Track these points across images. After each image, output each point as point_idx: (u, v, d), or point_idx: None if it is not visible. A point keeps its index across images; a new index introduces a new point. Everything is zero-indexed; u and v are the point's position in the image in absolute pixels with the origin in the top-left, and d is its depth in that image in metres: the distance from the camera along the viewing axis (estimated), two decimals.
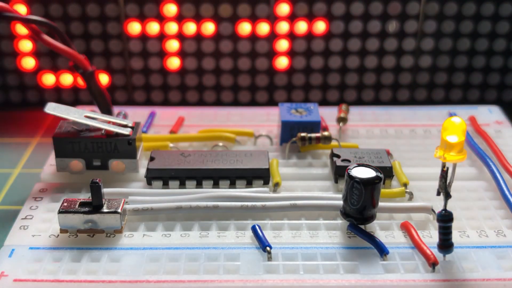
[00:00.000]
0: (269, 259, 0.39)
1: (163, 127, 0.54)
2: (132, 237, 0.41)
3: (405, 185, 0.46)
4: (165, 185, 0.46)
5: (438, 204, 0.42)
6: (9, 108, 0.62)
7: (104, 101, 0.52)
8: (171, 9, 0.58)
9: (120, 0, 0.58)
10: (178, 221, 0.42)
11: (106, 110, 0.52)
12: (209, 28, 0.59)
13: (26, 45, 0.60)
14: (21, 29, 0.59)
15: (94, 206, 0.41)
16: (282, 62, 0.61)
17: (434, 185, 0.38)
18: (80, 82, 0.61)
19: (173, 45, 0.60)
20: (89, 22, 0.59)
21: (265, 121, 0.55)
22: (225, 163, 0.46)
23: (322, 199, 0.44)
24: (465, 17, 0.59)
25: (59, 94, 0.62)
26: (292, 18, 0.59)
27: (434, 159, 0.39)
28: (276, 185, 0.46)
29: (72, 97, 0.62)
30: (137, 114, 0.55)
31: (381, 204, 0.42)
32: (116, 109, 0.54)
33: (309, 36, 0.60)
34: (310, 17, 0.59)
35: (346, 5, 0.58)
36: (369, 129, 0.54)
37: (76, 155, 0.46)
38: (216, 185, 0.46)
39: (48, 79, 0.61)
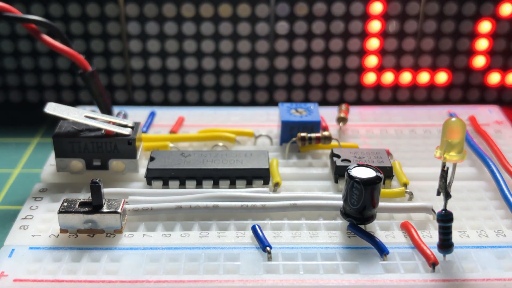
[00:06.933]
0: (269, 259, 0.39)
1: (163, 127, 0.54)
2: (132, 237, 0.41)
3: (405, 185, 0.46)
4: (165, 185, 0.46)
5: (438, 204, 0.42)
6: (9, 108, 0.62)
7: (104, 101, 0.52)
8: (171, 9, 0.58)
9: (120, 0, 0.58)
10: (178, 221, 0.42)
11: (106, 110, 0.52)
12: (209, 28, 0.59)
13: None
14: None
15: (94, 206, 0.41)
16: (282, 62, 0.61)
17: (434, 185, 0.38)
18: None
19: (173, 45, 0.60)
20: (89, 22, 0.59)
21: (265, 121, 0.55)
22: (225, 163, 0.46)
23: (322, 199, 0.44)
24: (465, 17, 0.59)
25: (59, 94, 0.62)
26: (292, 18, 0.59)
27: (434, 159, 0.39)
28: (276, 185, 0.46)
29: (72, 97, 0.62)
30: (137, 114, 0.55)
31: (381, 204, 0.42)
32: (116, 109, 0.54)
33: (309, 36, 0.60)
34: (310, 17, 0.59)
35: (346, 5, 0.58)
36: (369, 129, 0.54)
37: (76, 155, 0.46)
38: (216, 185, 0.46)
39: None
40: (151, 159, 0.47)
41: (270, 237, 0.41)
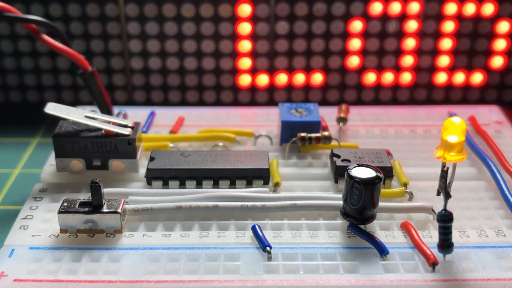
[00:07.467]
0: (269, 259, 0.39)
1: (163, 127, 0.54)
2: (132, 237, 0.41)
3: (405, 185, 0.46)
4: (165, 185, 0.46)
5: (438, 204, 0.42)
6: (9, 108, 0.62)
7: (104, 101, 0.52)
8: (171, 9, 0.58)
9: (120, 0, 0.58)
10: (178, 221, 0.42)
11: (106, 110, 0.52)
12: (209, 28, 0.59)
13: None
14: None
15: (94, 206, 0.41)
16: (282, 62, 0.61)
17: (434, 185, 0.38)
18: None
19: (173, 45, 0.60)
20: (89, 22, 0.59)
21: (265, 121, 0.55)
22: (225, 163, 0.46)
23: (322, 199, 0.44)
24: (465, 17, 0.59)
25: (59, 94, 0.62)
26: (292, 18, 0.59)
27: (434, 159, 0.39)
28: (276, 185, 0.46)
29: (72, 97, 0.62)
30: (137, 114, 0.55)
31: (381, 204, 0.42)
32: (116, 109, 0.54)
33: (309, 35, 0.60)
34: (310, 17, 0.59)
35: (346, 5, 0.58)
36: (369, 129, 0.54)
37: (76, 155, 0.46)
38: (216, 185, 0.46)
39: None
40: (151, 159, 0.47)
41: (270, 237, 0.41)
